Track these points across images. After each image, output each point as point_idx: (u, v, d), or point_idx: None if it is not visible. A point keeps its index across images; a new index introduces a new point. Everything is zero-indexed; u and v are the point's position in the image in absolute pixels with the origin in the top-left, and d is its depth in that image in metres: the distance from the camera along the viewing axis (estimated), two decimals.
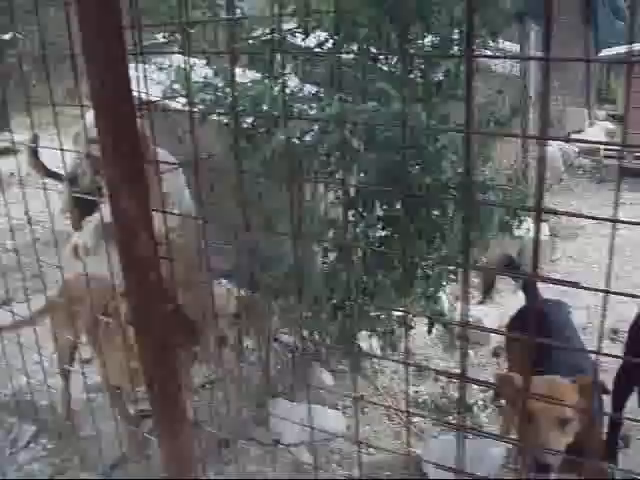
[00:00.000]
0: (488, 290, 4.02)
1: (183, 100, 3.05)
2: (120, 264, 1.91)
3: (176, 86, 2.89)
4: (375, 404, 3.55)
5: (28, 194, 3.08)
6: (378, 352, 3.71)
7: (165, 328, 2.01)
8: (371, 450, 3.25)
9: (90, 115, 2.61)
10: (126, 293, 2.76)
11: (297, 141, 2.54)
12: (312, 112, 2.56)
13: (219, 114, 2.87)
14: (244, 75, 2.94)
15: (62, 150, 2.32)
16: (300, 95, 2.72)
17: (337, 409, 3.46)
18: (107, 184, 1.84)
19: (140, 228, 1.87)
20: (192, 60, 3.96)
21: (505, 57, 3.28)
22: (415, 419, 3.55)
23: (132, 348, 3.08)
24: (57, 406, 3.51)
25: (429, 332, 3.43)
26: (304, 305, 3.25)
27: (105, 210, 2.61)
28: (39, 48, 2.77)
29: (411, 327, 3.48)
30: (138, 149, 1.82)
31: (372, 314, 3.41)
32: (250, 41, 2.93)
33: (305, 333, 3.48)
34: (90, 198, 2.62)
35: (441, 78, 2.87)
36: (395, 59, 2.79)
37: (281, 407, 3.25)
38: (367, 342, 3.71)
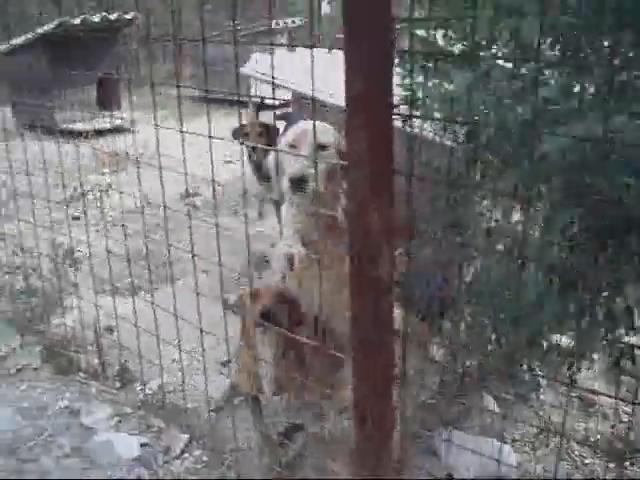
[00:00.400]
0: None
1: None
2: (352, 282, 1.72)
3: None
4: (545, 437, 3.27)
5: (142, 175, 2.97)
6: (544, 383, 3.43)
7: (391, 359, 1.81)
8: None
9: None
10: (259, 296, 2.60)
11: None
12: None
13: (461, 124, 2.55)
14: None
15: (210, 137, 2.16)
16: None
17: (505, 442, 3.20)
18: (350, 193, 1.65)
19: (383, 246, 1.68)
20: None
21: None
22: (587, 460, 3.26)
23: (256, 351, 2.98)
24: (202, 410, 3.40)
25: (617, 365, 3.11)
26: (477, 326, 3.01)
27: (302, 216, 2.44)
28: (144, 29, 2.66)
29: (592, 360, 3.18)
30: (391, 159, 1.62)
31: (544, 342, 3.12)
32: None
33: (468, 356, 3.24)
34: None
35: None
36: None
37: (452, 437, 3.01)
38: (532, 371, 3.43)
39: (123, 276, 4.72)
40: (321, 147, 2.21)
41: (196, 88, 10.82)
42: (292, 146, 2.31)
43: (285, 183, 2.19)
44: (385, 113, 1.57)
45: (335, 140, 2.25)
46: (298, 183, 2.15)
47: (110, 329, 3.81)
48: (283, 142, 2.37)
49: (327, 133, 2.28)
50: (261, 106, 11.26)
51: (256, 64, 5.74)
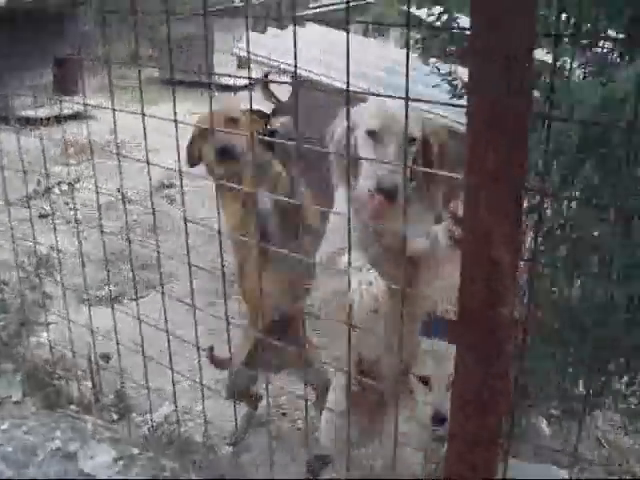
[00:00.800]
0: None
1: None
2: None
3: None
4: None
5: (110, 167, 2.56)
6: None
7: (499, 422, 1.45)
8: None
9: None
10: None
11: None
12: None
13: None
14: None
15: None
16: None
17: (557, 464, 2.89)
18: (468, 218, 1.28)
19: (508, 289, 1.31)
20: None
21: None
22: None
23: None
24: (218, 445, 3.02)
25: None
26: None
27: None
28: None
29: None
30: (524, 176, 1.25)
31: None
32: None
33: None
34: None
35: None
36: None
37: (515, 468, 2.69)
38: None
39: (102, 283, 4.29)
40: (411, 140, 1.79)
41: (160, 67, 10.25)
42: (371, 132, 1.83)
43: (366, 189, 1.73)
44: (521, 121, 1.19)
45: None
46: (387, 195, 1.70)
47: (107, 356, 3.37)
48: (360, 125, 1.82)
49: (418, 120, 1.84)
50: (223, 87, 10.69)
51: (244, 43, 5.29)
